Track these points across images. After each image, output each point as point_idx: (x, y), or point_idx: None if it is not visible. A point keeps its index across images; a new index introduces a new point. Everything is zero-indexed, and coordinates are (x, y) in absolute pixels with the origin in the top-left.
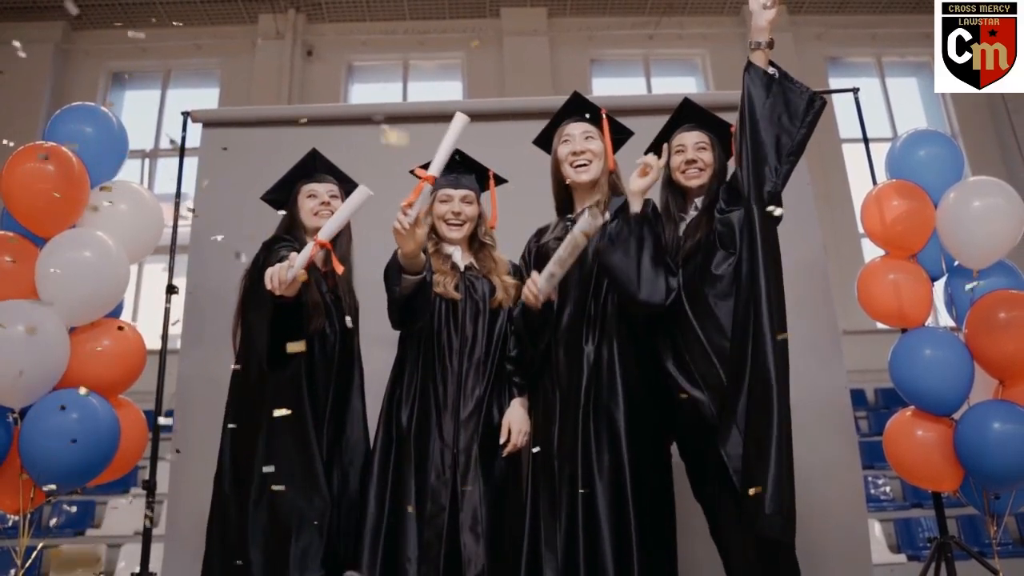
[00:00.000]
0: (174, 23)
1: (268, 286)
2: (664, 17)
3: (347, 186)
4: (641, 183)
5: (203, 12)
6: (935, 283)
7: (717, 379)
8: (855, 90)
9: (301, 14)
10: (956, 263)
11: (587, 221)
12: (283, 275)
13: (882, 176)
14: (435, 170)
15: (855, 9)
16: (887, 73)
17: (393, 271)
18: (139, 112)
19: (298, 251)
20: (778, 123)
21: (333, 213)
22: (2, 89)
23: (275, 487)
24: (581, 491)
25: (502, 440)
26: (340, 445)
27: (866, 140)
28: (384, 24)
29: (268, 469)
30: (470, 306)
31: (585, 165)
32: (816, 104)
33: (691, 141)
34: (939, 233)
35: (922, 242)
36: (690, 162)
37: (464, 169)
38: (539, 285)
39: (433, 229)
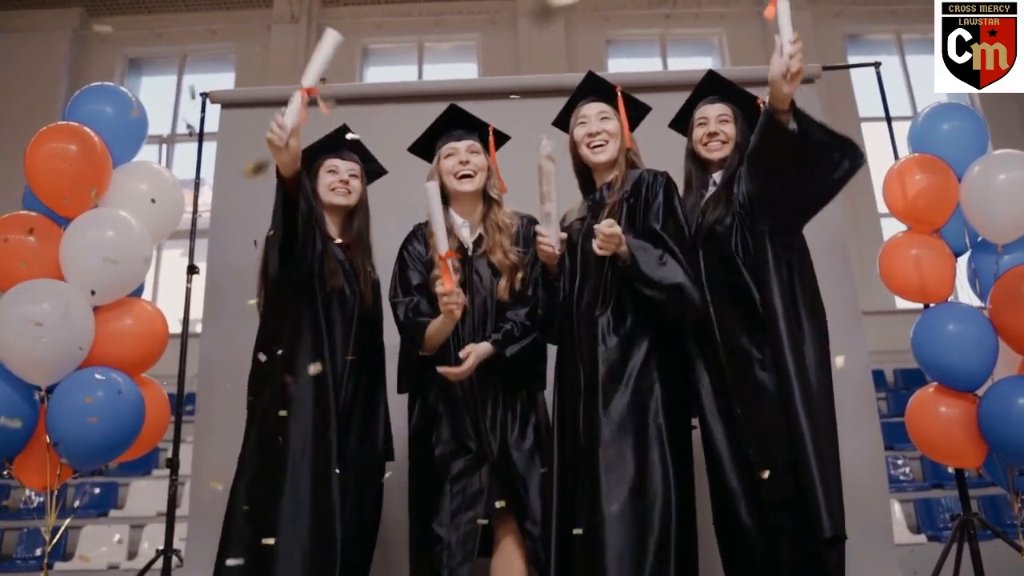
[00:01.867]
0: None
1: (270, 136)
2: None
3: (370, 166)
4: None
5: None
6: (958, 259)
7: (720, 381)
8: (877, 64)
9: None
10: (980, 238)
11: (544, 147)
12: (280, 121)
13: (904, 153)
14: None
15: None
16: (907, 51)
17: (411, 347)
18: (155, 97)
19: (315, 225)
20: (805, 177)
21: (350, 192)
22: (20, 75)
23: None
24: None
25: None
26: (359, 402)
27: (887, 113)
28: (399, 6)
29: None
30: (477, 308)
31: (601, 145)
32: (856, 163)
33: (714, 113)
34: (963, 207)
35: (945, 216)
36: (712, 135)
37: (464, 125)
38: (547, 235)
39: (443, 191)
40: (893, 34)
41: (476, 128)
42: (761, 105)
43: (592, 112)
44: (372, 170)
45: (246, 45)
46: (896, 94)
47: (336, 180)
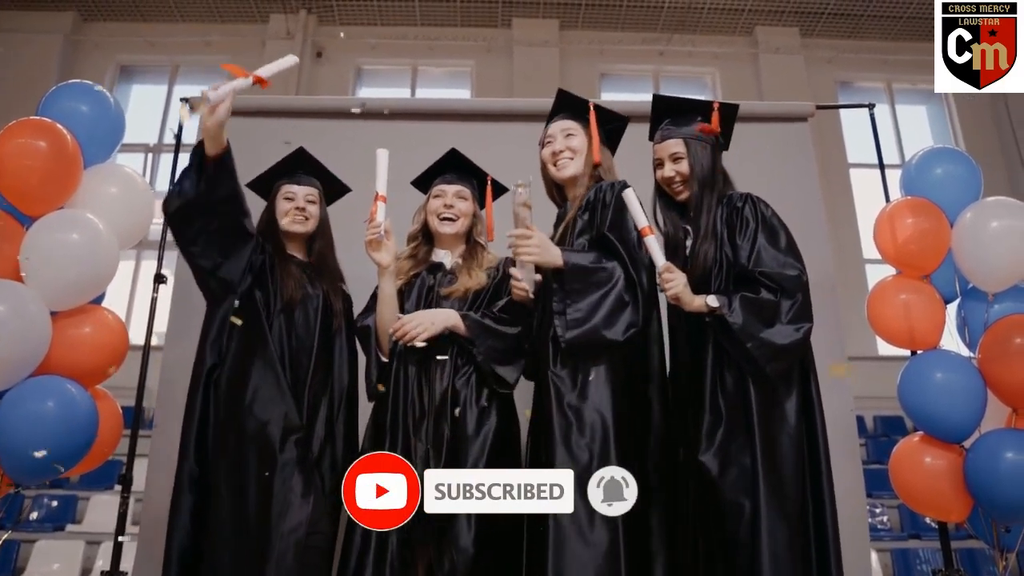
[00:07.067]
0: None
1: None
2: (676, 34)
3: (332, 186)
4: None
5: (214, 9)
6: (948, 305)
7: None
8: (871, 105)
9: (312, 15)
10: (970, 285)
11: (520, 194)
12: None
13: (895, 197)
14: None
15: (867, 34)
16: (897, 100)
17: (368, 345)
18: (145, 106)
19: (270, 252)
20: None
21: (307, 219)
22: (9, 78)
23: None
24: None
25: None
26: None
27: (880, 154)
28: (395, 29)
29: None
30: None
31: (565, 162)
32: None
33: (667, 153)
34: (954, 253)
35: (936, 262)
36: (669, 179)
37: (461, 170)
38: (521, 279)
39: (425, 229)
40: (884, 82)
41: (473, 175)
42: (715, 109)
43: (557, 131)
44: (333, 190)
45: (239, 59)
46: (885, 141)
47: (292, 207)
